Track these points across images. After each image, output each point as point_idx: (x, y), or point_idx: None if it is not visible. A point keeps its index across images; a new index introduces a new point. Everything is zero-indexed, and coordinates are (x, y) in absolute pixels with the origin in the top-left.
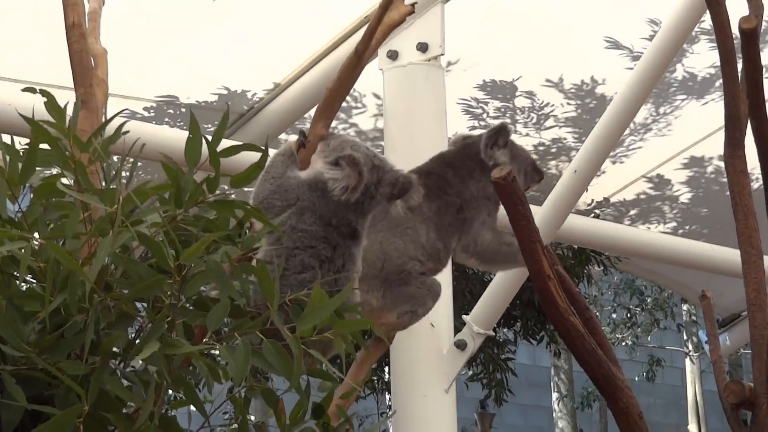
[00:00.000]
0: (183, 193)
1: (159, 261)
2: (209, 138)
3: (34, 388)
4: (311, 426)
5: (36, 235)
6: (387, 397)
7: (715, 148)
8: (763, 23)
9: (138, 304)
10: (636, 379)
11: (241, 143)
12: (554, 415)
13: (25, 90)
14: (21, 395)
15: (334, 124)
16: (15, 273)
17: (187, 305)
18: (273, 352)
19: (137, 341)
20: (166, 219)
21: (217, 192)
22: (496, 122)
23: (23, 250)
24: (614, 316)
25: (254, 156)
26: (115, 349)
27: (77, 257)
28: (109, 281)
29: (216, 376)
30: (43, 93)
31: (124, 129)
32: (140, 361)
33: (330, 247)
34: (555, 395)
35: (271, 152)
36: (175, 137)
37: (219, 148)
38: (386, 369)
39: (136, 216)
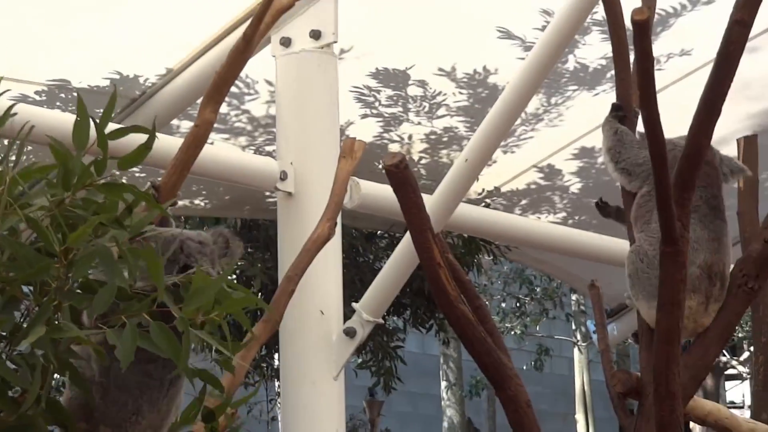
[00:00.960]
0: (71, 175)
1: (45, 245)
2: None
3: None
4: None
5: None
6: (276, 383)
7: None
8: (656, 15)
9: (25, 288)
10: (524, 368)
11: (128, 126)
12: (443, 403)
13: None
14: None
15: (225, 110)
16: None
17: (75, 289)
18: (160, 334)
19: (24, 325)
20: (54, 202)
21: (107, 176)
22: (389, 110)
23: None
24: (504, 305)
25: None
26: (1, 333)
27: None
28: None
29: (103, 358)
30: None
31: (12, 111)
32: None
33: None
34: (444, 383)
35: (160, 136)
36: (66, 121)
37: (107, 131)
38: (275, 356)
39: (25, 199)
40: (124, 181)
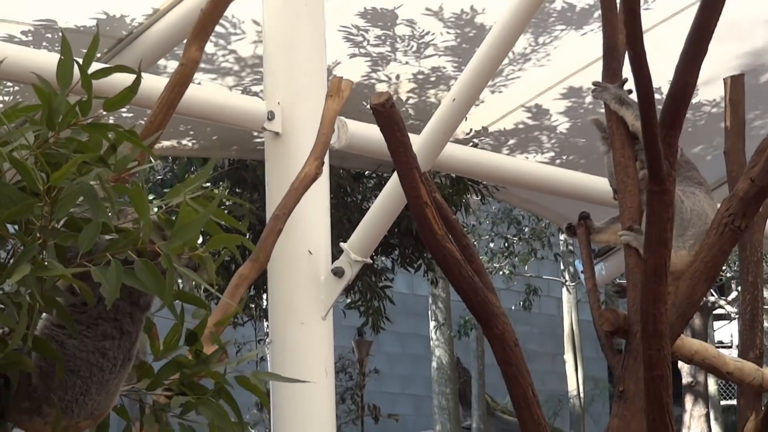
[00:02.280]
0: (55, 114)
1: (29, 183)
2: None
3: None
4: (184, 353)
5: None
6: (265, 324)
7: (593, 78)
8: None
9: (10, 228)
10: (513, 308)
11: (112, 66)
12: (432, 343)
13: None
14: None
15: (212, 50)
16: None
17: (60, 228)
18: (145, 271)
19: (9, 264)
20: (38, 141)
21: (93, 116)
22: (376, 50)
23: None
24: (492, 245)
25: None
26: None
27: None
28: None
29: (89, 297)
30: None
31: None
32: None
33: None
34: (432, 323)
35: (146, 76)
36: (53, 61)
37: (91, 71)
38: (264, 296)
39: (6, 137)
40: (111, 120)
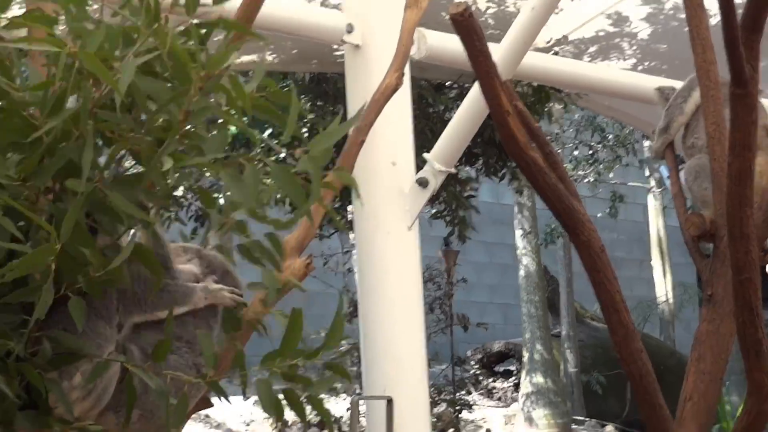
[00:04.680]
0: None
1: (180, 71)
2: None
3: (16, 219)
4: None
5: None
6: (351, 235)
7: None
8: None
9: None
10: (599, 215)
11: None
12: (518, 251)
13: None
14: (10, 225)
15: None
16: None
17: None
18: (283, 177)
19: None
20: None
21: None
22: None
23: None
24: (576, 153)
25: None
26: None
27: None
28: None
29: (211, 203)
30: None
31: None
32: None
33: None
34: (519, 232)
35: None
36: None
37: None
38: (349, 207)
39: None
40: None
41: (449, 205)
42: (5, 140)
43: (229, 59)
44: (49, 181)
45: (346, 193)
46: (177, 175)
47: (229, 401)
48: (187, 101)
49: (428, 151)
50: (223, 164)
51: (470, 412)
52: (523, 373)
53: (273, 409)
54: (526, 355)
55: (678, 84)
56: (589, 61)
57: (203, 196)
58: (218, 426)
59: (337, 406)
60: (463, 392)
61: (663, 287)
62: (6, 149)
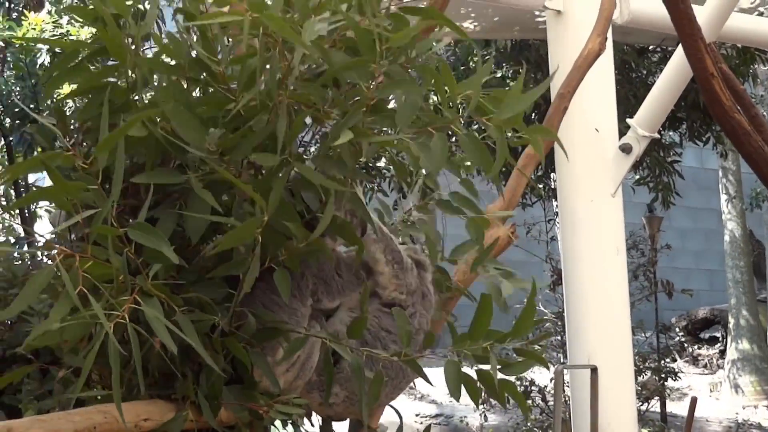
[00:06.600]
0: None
1: (363, 46)
2: None
3: (216, 194)
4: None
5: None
6: (554, 203)
7: None
8: None
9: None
10: None
11: None
12: (723, 216)
13: None
14: (210, 197)
15: None
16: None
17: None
18: (470, 144)
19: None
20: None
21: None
22: None
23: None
24: None
25: None
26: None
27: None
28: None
29: (403, 171)
30: None
31: None
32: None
33: None
34: (723, 197)
35: None
36: None
37: None
38: (551, 175)
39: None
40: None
41: (653, 171)
42: (206, 114)
43: (410, 35)
44: (249, 155)
45: (549, 161)
46: (369, 145)
47: (430, 382)
48: (374, 72)
49: (631, 117)
50: (412, 134)
51: (675, 380)
52: (729, 340)
53: (459, 392)
54: (731, 322)
55: None
56: None
57: (396, 167)
58: (422, 398)
59: (541, 375)
60: (668, 360)
61: None
62: (207, 123)
